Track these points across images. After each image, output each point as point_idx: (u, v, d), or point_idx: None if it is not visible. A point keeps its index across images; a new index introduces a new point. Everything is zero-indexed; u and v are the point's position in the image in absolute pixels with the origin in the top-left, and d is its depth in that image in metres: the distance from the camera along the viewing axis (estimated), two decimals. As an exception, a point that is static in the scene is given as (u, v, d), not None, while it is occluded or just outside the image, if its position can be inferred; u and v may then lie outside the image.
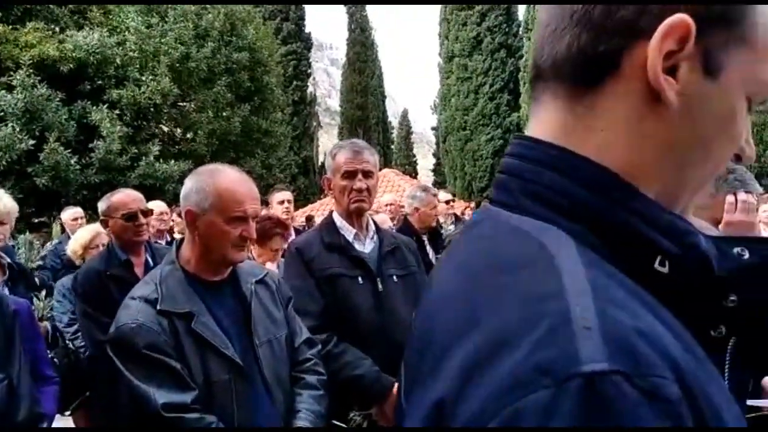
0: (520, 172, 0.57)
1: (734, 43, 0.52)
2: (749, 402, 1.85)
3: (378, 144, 34.03)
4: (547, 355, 0.40)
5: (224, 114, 13.10)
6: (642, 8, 0.51)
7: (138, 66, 11.20)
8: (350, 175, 2.25)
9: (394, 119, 43.95)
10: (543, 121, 0.58)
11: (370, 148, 2.35)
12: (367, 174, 2.27)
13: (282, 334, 1.88)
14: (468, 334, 0.46)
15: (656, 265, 0.51)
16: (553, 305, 0.43)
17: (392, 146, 39.26)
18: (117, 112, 10.82)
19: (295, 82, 26.04)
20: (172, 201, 6.49)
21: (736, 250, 0.55)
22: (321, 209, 15.97)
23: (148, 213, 2.97)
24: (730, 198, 1.73)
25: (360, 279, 2.19)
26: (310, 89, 29.13)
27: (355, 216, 2.30)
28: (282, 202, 4.57)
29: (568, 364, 0.39)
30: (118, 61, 10.92)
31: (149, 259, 2.93)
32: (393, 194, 9.30)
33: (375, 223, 2.41)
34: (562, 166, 0.54)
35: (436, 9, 28.74)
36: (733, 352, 0.57)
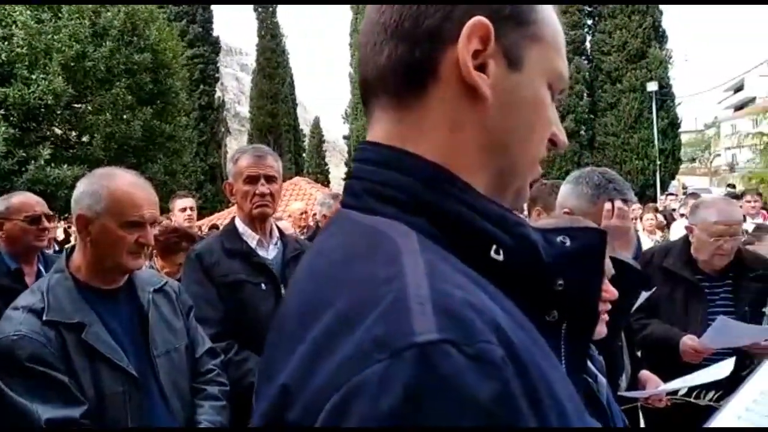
0: (364, 174, 0.62)
1: (529, 40, 0.60)
2: (624, 393, 2.02)
3: (289, 152, 33.64)
4: (385, 329, 0.44)
5: (124, 117, 12.45)
6: (445, 16, 0.57)
7: (27, 63, 10.42)
8: (253, 180, 2.23)
9: (305, 127, 43.58)
10: (378, 130, 0.63)
11: (273, 154, 2.35)
12: (270, 179, 2.25)
13: (182, 344, 1.83)
14: (318, 319, 0.49)
15: (492, 253, 0.56)
16: (393, 285, 0.47)
17: (304, 154, 38.94)
18: (2, 111, 10.00)
19: (202, 87, 25.25)
20: (64, 208, 6.08)
21: (560, 238, 0.62)
22: (228, 218, 15.49)
23: (51, 218, 2.78)
24: (607, 205, 1.88)
25: (263, 285, 2.16)
26: (218, 94, 28.36)
27: (258, 221, 2.27)
28: (184, 209, 4.42)
29: (402, 337, 0.43)
30: (3, 57, 10.12)
31: (42, 269, 2.72)
32: (303, 202, 9.25)
33: (279, 229, 2.40)
34: (399, 165, 0.59)
35: (348, 18, 28.93)
36: (566, 336, 0.63)
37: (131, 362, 1.64)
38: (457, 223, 0.56)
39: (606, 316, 1.27)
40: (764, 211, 6.59)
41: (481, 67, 0.57)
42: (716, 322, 2.28)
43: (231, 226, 2.33)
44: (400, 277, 0.48)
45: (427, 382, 0.41)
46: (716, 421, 0.91)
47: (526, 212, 2.75)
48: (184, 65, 16.41)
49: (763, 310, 2.47)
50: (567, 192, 2.03)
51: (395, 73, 0.59)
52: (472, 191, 0.58)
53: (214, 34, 26.97)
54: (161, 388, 1.70)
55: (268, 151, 2.35)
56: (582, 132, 23.32)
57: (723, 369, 2.06)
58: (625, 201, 1.95)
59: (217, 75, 27.20)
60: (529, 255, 0.58)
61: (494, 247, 0.56)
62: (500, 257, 0.56)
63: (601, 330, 1.23)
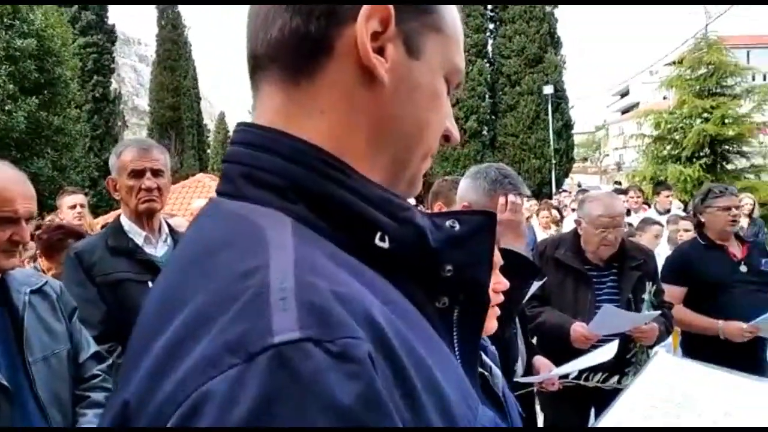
0: (239, 158, 0.57)
1: (429, 30, 0.59)
2: (520, 379, 2.10)
3: (192, 147, 32.36)
4: (240, 330, 0.40)
5: (6, 108, 11.45)
6: None
7: None
8: (138, 173, 2.12)
9: (210, 122, 42.17)
10: (264, 108, 0.59)
11: (159, 147, 2.25)
12: (157, 173, 2.15)
13: (62, 348, 1.69)
14: (172, 318, 0.45)
15: (376, 240, 0.54)
16: (255, 279, 0.44)
17: (208, 150, 37.63)
18: None
19: (96, 77, 23.66)
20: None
21: (448, 222, 0.60)
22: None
23: None
24: (501, 199, 1.95)
25: (150, 284, 2.04)
26: (115, 86, 26.72)
27: (145, 217, 2.17)
28: (73, 207, 4.12)
29: (259, 338, 0.39)
30: None
31: None
32: (206, 200, 8.90)
33: (169, 225, 2.30)
34: (278, 148, 0.55)
35: (253, 12, 28.08)
36: (458, 322, 0.61)
37: (1, 372, 1.49)
38: (338, 210, 0.54)
39: (497, 310, 1.29)
40: (645, 206, 7.14)
41: (380, 51, 0.55)
42: (601, 309, 2.43)
43: (116, 223, 2.20)
44: (263, 269, 0.44)
45: (283, 387, 0.38)
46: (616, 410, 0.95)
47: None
48: (76, 54, 15.35)
49: (643, 296, 2.66)
50: (466, 187, 2.08)
51: (287, 47, 0.56)
52: (356, 176, 0.55)
53: (110, 21, 25.34)
54: (37, 397, 1.56)
55: (154, 144, 2.25)
56: (484, 132, 24.21)
57: (607, 352, 2.20)
58: (518, 195, 2.03)
59: (112, 65, 25.56)
60: (415, 241, 0.56)
61: (379, 234, 0.54)
62: (385, 244, 0.54)
63: (491, 325, 1.24)
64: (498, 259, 1.21)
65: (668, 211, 6.43)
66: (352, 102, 0.56)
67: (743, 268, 3.10)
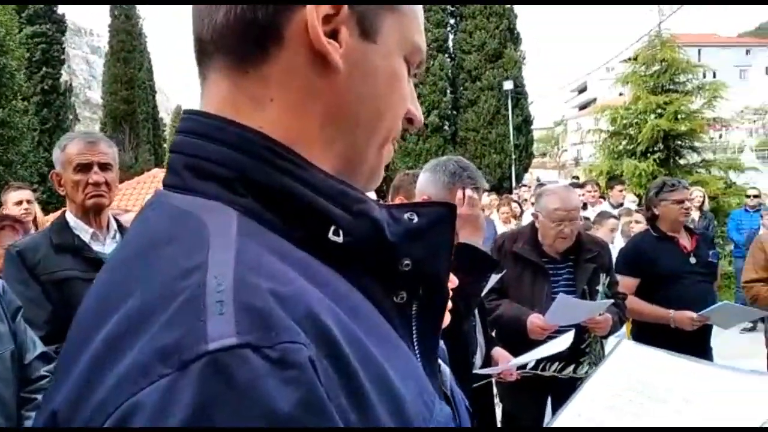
0: (183, 147, 0.54)
1: (385, 9, 0.56)
2: (479, 371, 2.12)
3: (148, 142, 31.58)
4: (173, 336, 0.38)
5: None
6: None
7: None
8: (84, 168, 2.05)
9: (166, 115, 41.23)
10: (211, 97, 0.56)
11: (107, 140, 2.17)
12: (105, 166, 2.08)
13: (6, 349, 1.62)
14: (105, 322, 0.42)
15: (330, 234, 0.52)
16: (192, 279, 0.41)
17: (165, 145, 36.78)
18: None
19: (45, 69, 22.82)
20: None
21: (406, 215, 0.58)
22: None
23: None
24: (459, 193, 1.96)
25: None
26: (65, 77, 25.82)
27: (92, 213, 2.09)
28: (19, 203, 3.95)
29: (193, 345, 0.37)
30: None
31: None
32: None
33: (118, 221, 2.23)
34: (224, 136, 0.52)
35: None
36: (417, 317, 0.59)
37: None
38: (289, 203, 0.51)
39: (450, 304, 1.29)
40: (602, 200, 7.30)
41: (333, 34, 0.53)
42: (557, 299, 2.48)
43: (61, 220, 2.12)
44: (201, 268, 0.42)
45: (219, 396, 0.36)
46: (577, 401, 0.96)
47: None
48: (22, 44, 14.75)
49: (597, 288, 2.72)
50: (425, 180, 2.08)
51: (233, 33, 0.52)
52: (308, 167, 0.52)
53: (59, 11, 24.45)
54: (-23, 402, 1.50)
55: (101, 137, 2.18)
56: (446, 127, 24.38)
57: (563, 342, 2.24)
58: (476, 189, 2.04)
59: (62, 56, 24.67)
60: (371, 234, 0.54)
61: (333, 227, 0.52)
62: (339, 239, 0.52)
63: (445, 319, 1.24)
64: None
65: (621, 204, 6.60)
66: (305, 89, 0.54)
67: (692, 260, 3.21)
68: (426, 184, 2.06)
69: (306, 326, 0.41)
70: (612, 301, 2.68)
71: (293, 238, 0.50)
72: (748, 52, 52.90)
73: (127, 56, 30.35)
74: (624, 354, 1.03)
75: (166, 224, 0.49)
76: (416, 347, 0.60)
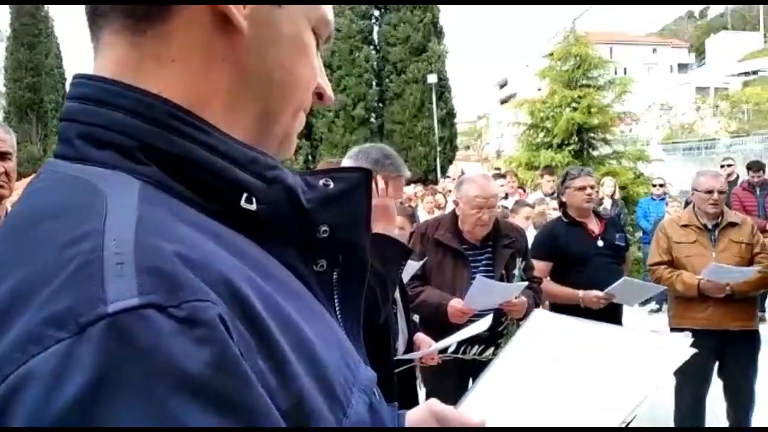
0: (76, 115, 0.50)
1: None
2: (401, 356, 2.15)
3: (56, 133, 29.73)
4: (67, 301, 0.36)
5: None
6: None
7: None
8: None
9: (78, 106, 38.82)
10: (106, 60, 0.52)
11: (3, 125, 2.04)
12: (4, 156, 1.96)
13: None
14: None
15: (242, 202, 0.50)
16: (86, 245, 0.39)
17: (77, 136, 34.70)
18: None
19: (-63, 53, 20.97)
20: None
21: (322, 181, 0.57)
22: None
23: None
24: (381, 184, 1.97)
25: None
26: (-39, 63, 23.83)
27: None
28: None
29: (90, 308, 0.35)
30: None
31: None
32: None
33: None
34: (121, 102, 0.49)
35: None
36: (338, 285, 0.59)
37: None
38: (197, 171, 0.49)
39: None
40: (521, 190, 7.58)
41: None
42: (475, 281, 2.56)
43: None
44: (96, 234, 0.39)
45: (122, 360, 0.34)
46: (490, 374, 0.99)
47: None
48: None
49: (513, 272, 2.83)
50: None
51: None
52: (216, 132, 0.50)
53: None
54: None
55: None
56: (372, 119, 24.46)
57: (482, 324, 2.31)
58: (399, 177, 2.06)
59: (-42, 40, 22.78)
60: (286, 201, 0.52)
61: (245, 195, 0.50)
62: (252, 206, 0.50)
63: None
64: None
65: (553, 193, 6.86)
66: (208, 51, 0.51)
67: (600, 243, 3.41)
68: (347, 170, 2.06)
69: (218, 289, 0.39)
70: (527, 283, 2.79)
71: (204, 208, 0.48)
72: (654, 50, 56.34)
73: (33, 41, 28.33)
74: (536, 323, 1.07)
75: (56, 195, 0.46)
76: (339, 315, 0.60)
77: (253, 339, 0.40)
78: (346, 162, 2.08)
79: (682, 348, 0.87)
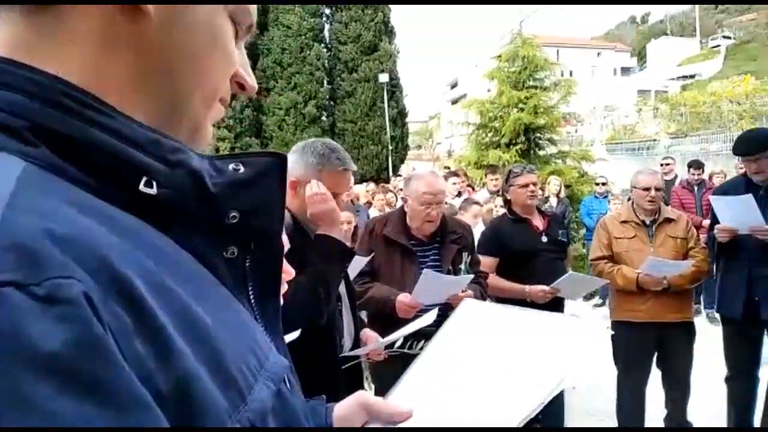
0: None
1: None
2: (348, 353, 2.14)
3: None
4: None
5: None
6: None
7: None
8: None
9: None
10: (0, 37, 0.49)
11: None
12: None
13: None
14: None
15: (141, 186, 0.48)
16: None
17: None
18: None
19: None
20: None
21: (231, 165, 0.56)
22: None
23: None
24: (308, 189, 1.97)
25: None
26: None
27: None
28: None
29: None
30: None
31: None
32: None
33: None
34: (12, 81, 0.46)
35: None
36: (253, 274, 0.58)
37: None
38: (91, 152, 0.46)
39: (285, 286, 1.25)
40: (469, 188, 7.70)
41: None
42: (422, 274, 2.58)
43: None
44: None
45: None
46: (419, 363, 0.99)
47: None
48: None
49: (460, 266, 2.86)
50: (293, 161, 2.05)
51: None
52: (114, 114, 0.48)
53: None
54: None
55: None
56: (324, 118, 24.34)
57: (428, 318, 2.32)
58: (345, 171, 2.05)
59: None
60: (190, 185, 0.50)
61: (144, 178, 0.48)
62: (152, 190, 0.48)
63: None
64: (286, 244, 1.15)
65: (498, 191, 6.99)
66: (110, 32, 0.49)
67: (544, 239, 3.49)
68: (293, 165, 2.03)
69: (89, 266, 0.37)
70: (473, 276, 2.83)
71: (100, 193, 0.46)
72: (599, 54, 58.25)
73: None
74: (465, 311, 1.09)
75: None
76: (253, 304, 0.59)
77: (130, 320, 0.38)
78: (292, 156, 2.05)
79: (598, 331, 0.90)
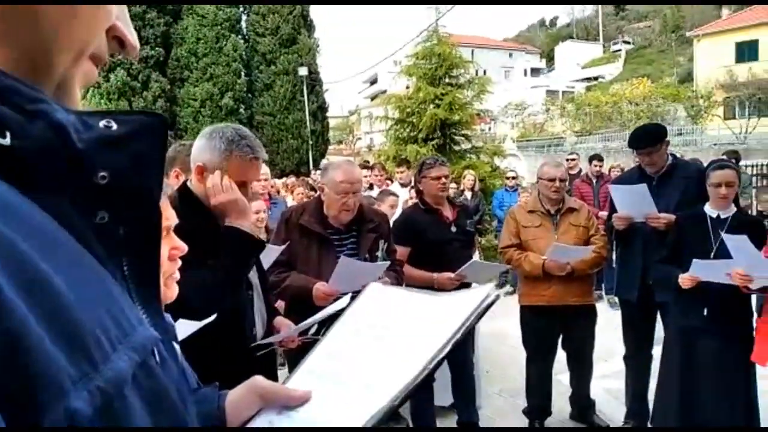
0: None
1: None
2: (261, 341, 2.12)
3: None
4: None
5: None
6: None
7: None
8: None
9: None
10: None
11: None
12: None
13: None
14: None
15: None
16: None
17: None
18: None
19: None
20: None
21: (103, 122, 0.52)
22: None
23: None
24: (212, 179, 1.94)
25: None
26: None
27: None
28: None
29: None
30: None
31: None
32: None
33: None
34: None
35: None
36: (127, 243, 0.54)
37: None
38: None
39: (177, 275, 1.21)
40: (388, 181, 7.78)
41: None
42: (339, 261, 2.59)
43: None
44: None
45: None
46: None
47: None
48: None
49: (377, 254, 2.90)
50: (200, 146, 1.99)
51: None
52: None
53: None
54: None
55: None
56: (241, 110, 23.77)
57: (340, 303, 2.33)
58: (255, 158, 2.01)
59: None
60: (51, 138, 0.46)
61: None
62: (6, 140, 0.44)
63: (171, 294, 1.16)
64: (173, 218, 1.12)
65: (410, 183, 7.10)
66: None
67: (453, 229, 3.61)
68: (201, 150, 1.98)
69: None
70: (389, 263, 2.88)
71: None
72: (510, 55, 60.48)
73: None
74: (369, 295, 1.10)
75: None
76: (127, 274, 0.55)
77: None
78: (199, 141, 2.00)
79: (486, 291, 0.93)
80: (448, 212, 3.67)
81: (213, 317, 1.72)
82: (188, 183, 2.05)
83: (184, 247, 1.18)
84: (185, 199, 1.96)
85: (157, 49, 21.89)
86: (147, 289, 0.57)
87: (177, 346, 0.96)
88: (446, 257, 3.46)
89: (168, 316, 1.00)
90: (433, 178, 3.60)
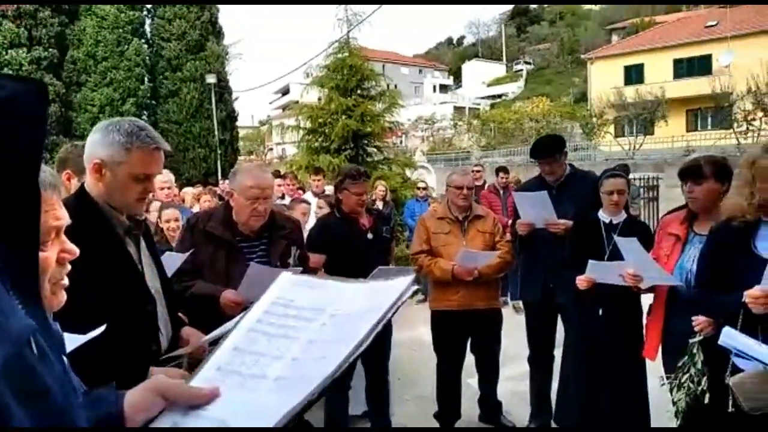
0: None
1: None
2: (170, 354, 2.01)
3: None
4: None
5: None
6: None
7: None
8: None
9: None
10: None
11: None
12: None
13: None
14: None
15: None
16: None
17: None
18: None
19: None
20: None
21: None
22: None
23: None
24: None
25: None
26: None
27: None
28: None
29: None
30: None
31: None
32: None
33: None
34: None
35: None
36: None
37: None
38: None
39: (66, 281, 1.11)
40: (300, 191, 7.72)
41: None
42: (249, 269, 2.51)
43: None
44: None
45: None
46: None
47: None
48: None
49: (289, 260, 2.85)
50: (96, 141, 1.88)
51: None
52: None
53: None
54: None
55: None
56: (144, 117, 22.68)
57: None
58: (157, 149, 1.92)
59: None
60: None
61: None
62: None
63: (60, 300, 1.04)
64: (65, 218, 1.04)
65: (323, 192, 7.07)
66: None
67: (370, 236, 3.63)
68: (97, 145, 1.87)
69: None
70: (301, 269, 2.83)
71: None
72: (420, 71, 62.06)
73: None
74: (280, 285, 1.08)
75: None
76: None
77: None
78: (94, 136, 1.89)
79: (406, 281, 0.95)
80: (364, 219, 3.69)
81: (101, 330, 1.60)
82: (85, 186, 1.92)
83: (76, 251, 1.09)
84: (82, 203, 1.84)
85: (50, 50, 20.51)
86: (22, 276, 0.53)
87: (65, 358, 0.88)
88: (364, 264, 3.46)
89: (56, 324, 0.91)
90: (354, 193, 3.62)
